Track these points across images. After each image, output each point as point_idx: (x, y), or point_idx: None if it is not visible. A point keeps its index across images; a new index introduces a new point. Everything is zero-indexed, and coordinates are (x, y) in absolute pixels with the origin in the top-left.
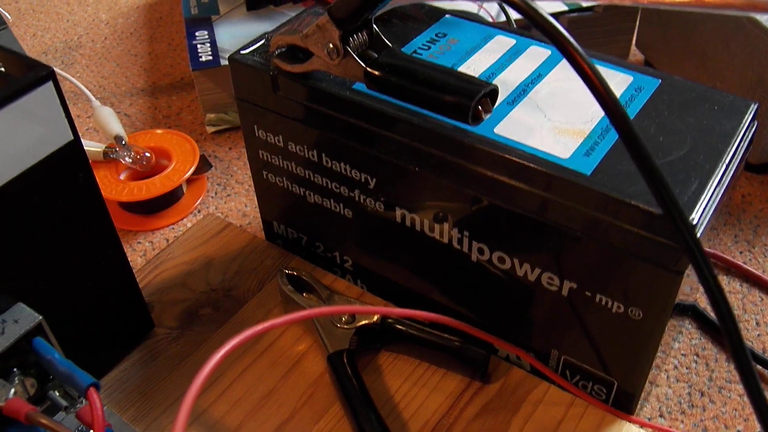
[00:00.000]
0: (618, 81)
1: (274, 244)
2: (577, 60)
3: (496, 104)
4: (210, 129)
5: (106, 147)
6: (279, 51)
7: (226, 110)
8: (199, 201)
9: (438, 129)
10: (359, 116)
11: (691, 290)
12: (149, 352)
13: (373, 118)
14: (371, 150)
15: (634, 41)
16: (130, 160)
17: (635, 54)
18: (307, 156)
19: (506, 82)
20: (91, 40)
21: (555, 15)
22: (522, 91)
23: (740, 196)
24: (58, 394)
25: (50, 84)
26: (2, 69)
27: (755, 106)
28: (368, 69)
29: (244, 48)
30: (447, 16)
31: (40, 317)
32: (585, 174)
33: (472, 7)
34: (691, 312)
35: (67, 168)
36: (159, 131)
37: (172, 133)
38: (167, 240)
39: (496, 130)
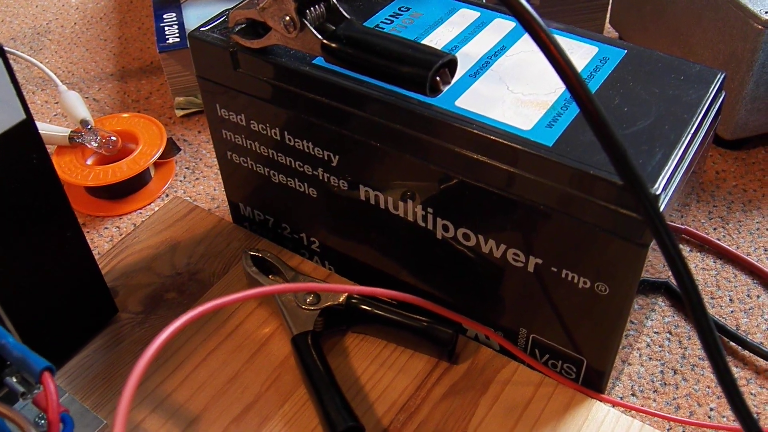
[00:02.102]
0: (583, 52)
1: (241, 227)
2: (530, 23)
3: (458, 77)
4: (179, 112)
5: (71, 131)
6: (238, 26)
7: (194, 93)
8: (167, 185)
9: (399, 103)
10: (319, 91)
11: (664, 266)
12: (113, 337)
13: (333, 93)
14: (333, 126)
15: (608, 18)
16: (96, 144)
17: (609, 31)
18: (269, 134)
19: (469, 54)
20: (60, 25)
21: None
22: (485, 63)
23: (714, 172)
24: (15, 380)
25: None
26: None
27: (722, 75)
28: (325, 41)
29: (204, 25)
30: None
31: None
32: (547, 145)
33: None
34: (664, 289)
35: (20, 148)
36: (125, 115)
37: (139, 117)
38: (135, 225)
39: (457, 103)
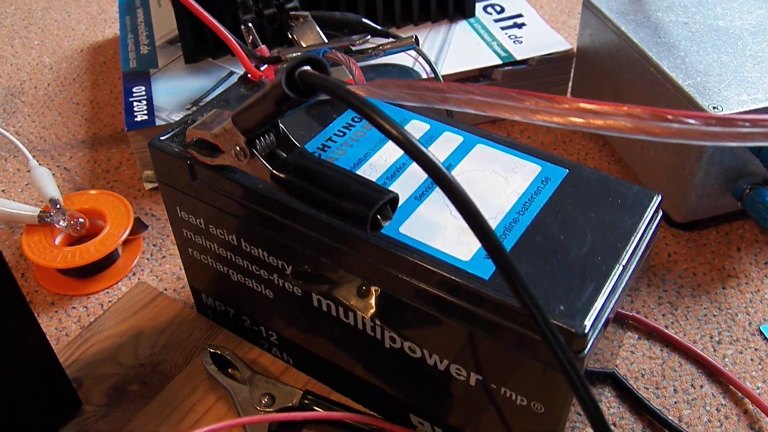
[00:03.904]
0: (526, 171)
1: (203, 315)
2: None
3: (404, 199)
4: (147, 185)
5: (41, 211)
6: (194, 141)
7: None
8: (134, 263)
9: (342, 226)
10: (270, 208)
11: (612, 355)
12: (76, 431)
13: (283, 211)
14: (284, 240)
15: (569, 93)
16: (65, 225)
17: None
18: (227, 239)
19: (416, 173)
20: (33, 86)
21: (488, 69)
22: (431, 184)
23: (666, 254)
24: None
25: None
26: None
27: (658, 199)
28: (274, 172)
29: (163, 134)
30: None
31: None
32: (483, 279)
33: (407, 60)
34: (610, 380)
35: None
36: (93, 192)
37: (107, 194)
38: (102, 305)
39: (401, 229)
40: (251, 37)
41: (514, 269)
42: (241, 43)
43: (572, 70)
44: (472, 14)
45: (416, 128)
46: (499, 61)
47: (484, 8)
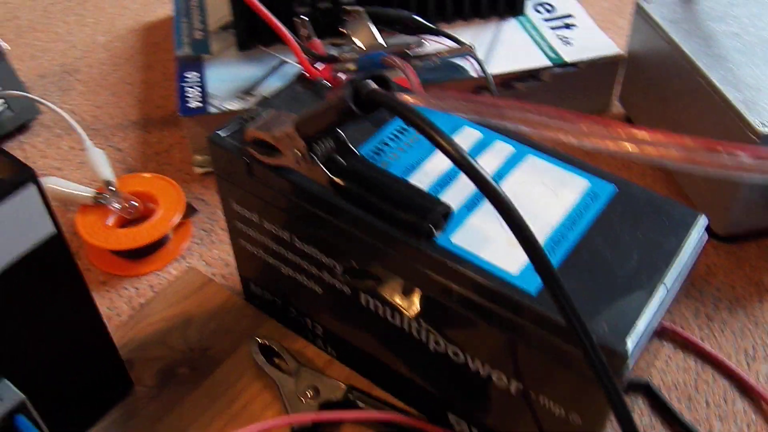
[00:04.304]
0: (575, 185)
1: (250, 303)
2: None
3: (456, 208)
4: (197, 170)
5: (95, 193)
6: (253, 140)
7: None
8: (183, 247)
9: (397, 234)
10: (325, 210)
11: (647, 366)
12: (127, 411)
13: (338, 213)
14: (337, 240)
15: (617, 96)
16: (119, 207)
17: (617, 107)
18: (279, 234)
19: (466, 185)
20: (87, 65)
21: (537, 71)
22: (480, 195)
23: (705, 266)
24: None
25: (33, 187)
26: None
27: (703, 220)
28: (332, 178)
29: (222, 129)
30: None
31: (23, 396)
32: (530, 294)
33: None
34: (644, 390)
35: (51, 260)
36: (147, 175)
37: (160, 178)
38: (152, 287)
39: (452, 238)
40: (305, 30)
41: (562, 288)
42: (297, 39)
43: (620, 74)
44: (522, 12)
45: (468, 136)
46: (548, 63)
47: (535, 7)
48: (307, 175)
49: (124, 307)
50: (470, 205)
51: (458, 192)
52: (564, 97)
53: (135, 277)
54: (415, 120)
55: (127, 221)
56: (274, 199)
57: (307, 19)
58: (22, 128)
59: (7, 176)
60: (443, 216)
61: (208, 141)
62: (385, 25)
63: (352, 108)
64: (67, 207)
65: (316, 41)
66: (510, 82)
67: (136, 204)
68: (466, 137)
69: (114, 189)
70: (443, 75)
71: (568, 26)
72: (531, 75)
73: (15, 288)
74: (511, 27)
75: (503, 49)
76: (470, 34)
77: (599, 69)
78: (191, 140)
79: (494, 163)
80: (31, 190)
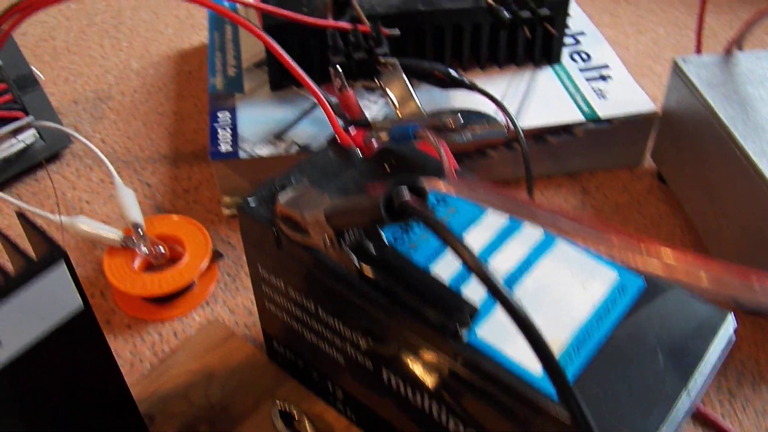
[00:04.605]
0: (604, 277)
1: (273, 360)
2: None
3: (482, 299)
4: (225, 211)
5: (123, 236)
6: (283, 215)
7: (242, 194)
8: (208, 291)
9: (422, 327)
10: (353, 292)
11: None
12: None
13: (366, 299)
14: (363, 322)
15: (649, 151)
16: (146, 252)
17: (649, 162)
18: (305, 304)
19: (495, 270)
20: (120, 92)
21: (570, 126)
22: (508, 283)
23: None
24: None
25: (63, 265)
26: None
27: (729, 320)
28: (361, 268)
29: (252, 196)
30: None
31: None
32: (551, 397)
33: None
34: None
35: (79, 333)
36: (175, 218)
37: (188, 222)
38: (175, 333)
39: (477, 332)
40: (339, 80)
41: (578, 404)
42: (330, 99)
43: (654, 130)
44: (558, 60)
45: (497, 218)
46: (582, 119)
47: (571, 55)
48: (335, 259)
49: (146, 353)
50: None
51: None
52: (596, 151)
53: (159, 322)
54: (446, 238)
55: (154, 264)
56: (301, 271)
57: (341, 70)
58: (53, 157)
59: (38, 254)
60: (470, 315)
61: (238, 210)
62: (419, 77)
63: (383, 216)
64: (94, 245)
65: (350, 94)
66: (542, 135)
67: (163, 251)
68: (494, 219)
69: (142, 232)
70: (474, 124)
71: (603, 78)
72: (564, 129)
73: (44, 360)
74: (546, 76)
75: (537, 100)
76: (504, 81)
77: (633, 125)
78: (220, 182)
79: (522, 249)
80: (61, 269)
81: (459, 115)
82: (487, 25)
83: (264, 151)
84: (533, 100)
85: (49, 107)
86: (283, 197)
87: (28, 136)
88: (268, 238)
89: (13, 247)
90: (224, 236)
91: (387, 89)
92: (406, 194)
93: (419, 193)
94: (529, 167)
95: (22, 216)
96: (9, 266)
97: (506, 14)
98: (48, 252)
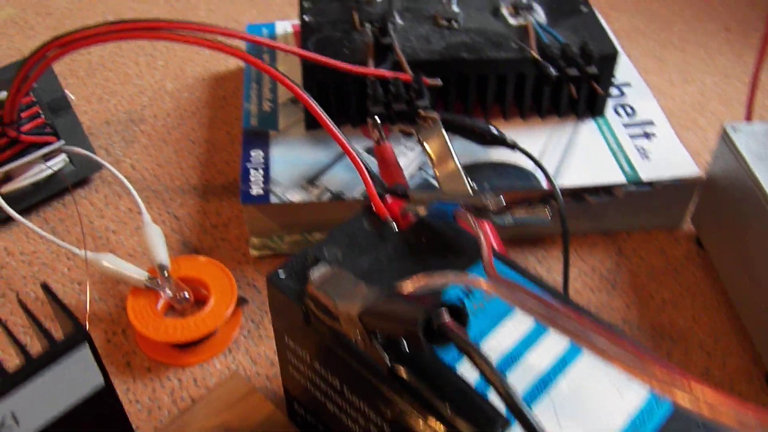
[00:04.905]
0: (640, 385)
1: (293, 421)
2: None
3: None
4: (253, 253)
5: (148, 277)
6: (314, 297)
7: (271, 236)
8: (231, 337)
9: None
10: (383, 384)
11: None
12: None
13: (393, 389)
14: (389, 409)
15: (690, 214)
16: (170, 295)
17: (689, 226)
18: (329, 379)
19: (530, 368)
20: (153, 114)
21: (611, 187)
22: (542, 384)
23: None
24: None
25: (86, 347)
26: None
27: None
28: (392, 367)
29: (282, 267)
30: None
31: None
32: None
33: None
34: None
35: (100, 409)
36: (201, 259)
37: (214, 265)
38: (195, 380)
39: None
40: (377, 132)
41: None
42: (368, 165)
43: (695, 195)
44: (602, 113)
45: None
46: (623, 180)
47: (615, 108)
48: (365, 353)
49: (165, 400)
50: (529, 396)
51: (519, 378)
52: (635, 212)
53: (180, 368)
54: (482, 369)
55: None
56: (328, 350)
57: (380, 121)
58: (82, 182)
59: (62, 329)
60: (501, 428)
61: (267, 281)
62: (460, 134)
63: (419, 336)
64: (118, 282)
65: (387, 146)
66: (581, 194)
67: (188, 297)
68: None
69: (167, 275)
70: (512, 183)
71: (647, 135)
72: (604, 190)
73: None
74: (588, 129)
75: (578, 156)
76: (545, 134)
77: (676, 189)
78: (249, 223)
79: (557, 349)
80: (84, 350)
81: (501, 197)
82: (531, 78)
83: (296, 196)
84: (574, 155)
85: (81, 131)
86: (315, 275)
87: (59, 162)
88: (297, 313)
89: (37, 325)
90: (250, 279)
91: (425, 144)
92: (447, 317)
93: (459, 315)
94: (566, 229)
95: (46, 288)
96: (30, 341)
97: (553, 71)
98: (72, 333)
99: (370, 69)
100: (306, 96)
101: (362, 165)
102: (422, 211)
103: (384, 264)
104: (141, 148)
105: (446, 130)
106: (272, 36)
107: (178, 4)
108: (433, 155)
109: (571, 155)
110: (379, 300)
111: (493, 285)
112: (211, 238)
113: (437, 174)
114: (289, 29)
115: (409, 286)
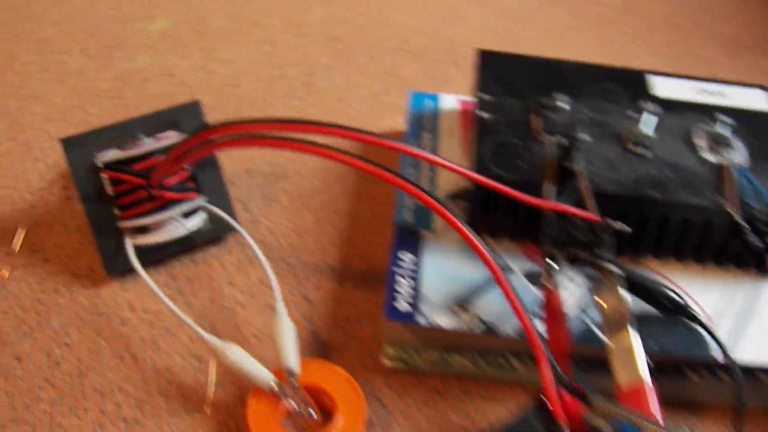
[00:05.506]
0: None
1: None
2: None
3: None
4: (386, 362)
5: (274, 380)
6: None
7: (407, 348)
8: None
9: None
10: None
11: None
12: None
13: None
14: None
15: None
16: (296, 409)
17: None
18: None
19: None
20: (297, 171)
21: None
22: None
23: None
24: None
25: None
26: None
27: None
28: None
29: None
30: None
31: None
32: None
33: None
34: None
35: None
36: (334, 369)
37: (345, 379)
38: None
39: None
40: (550, 279)
41: None
42: (544, 340)
43: None
44: None
45: None
46: None
47: None
48: None
49: None
50: None
51: None
52: None
53: None
54: None
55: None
56: None
57: (558, 268)
58: (216, 240)
59: None
60: None
61: None
62: (641, 297)
63: None
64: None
65: (557, 294)
66: (755, 372)
67: (315, 416)
68: None
69: (296, 384)
70: (682, 347)
71: None
72: None
73: None
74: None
75: (759, 324)
76: (721, 287)
77: None
78: (388, 334)
79: None
80: None
81: None
82: (722, 229)
83: (444, 321)
84: (755, 322)
85: (223, 187)
86: None
87: (198, 221)
88: None
89: None
90: (378, 390)
91: (599, 301)
92: None
93: None
94: (741, 410)
95: None
96: None
97: (756, 242)
98: None
99: (552, 203)
100: (465, 229)
101: (541, 347)
102: (604, 425)
103: None
104: (281, 209)
105: (628, 291)
106: (434, 112)
107: (339, 45)
108: (606, 318)
109: (750, 321)
110: None
111: None
112: (342, 334)
113: (608, 343)
114: (455, 104)
115: None
